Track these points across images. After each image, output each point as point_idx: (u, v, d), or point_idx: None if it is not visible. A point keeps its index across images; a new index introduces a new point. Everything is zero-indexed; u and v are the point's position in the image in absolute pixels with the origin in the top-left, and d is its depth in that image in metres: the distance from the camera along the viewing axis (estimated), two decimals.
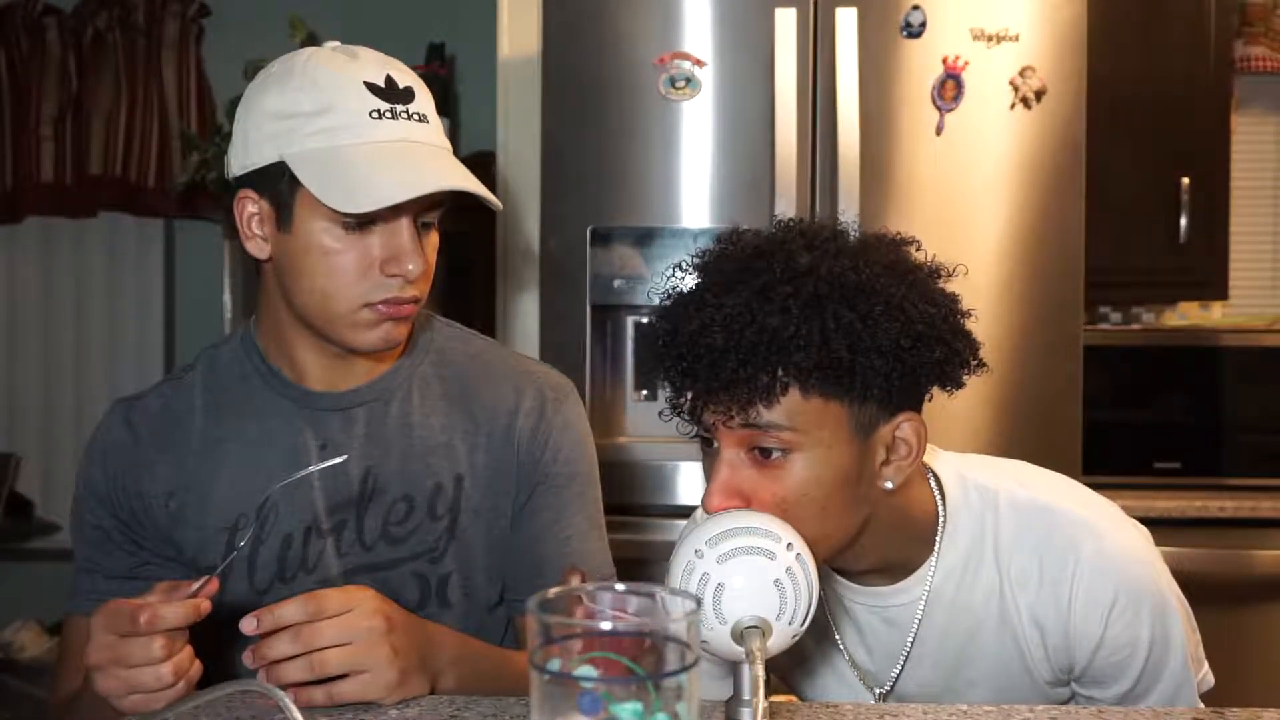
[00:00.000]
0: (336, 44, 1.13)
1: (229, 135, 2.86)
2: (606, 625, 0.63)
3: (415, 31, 3.19)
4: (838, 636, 1.13)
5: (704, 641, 0.85)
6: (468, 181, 1.07)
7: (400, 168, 1.05)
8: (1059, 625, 1.04)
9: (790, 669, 1.20)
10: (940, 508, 1.06)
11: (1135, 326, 2.98)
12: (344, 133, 1.05)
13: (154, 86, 3.57)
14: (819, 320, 0.91)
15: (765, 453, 0.94)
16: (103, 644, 0.92)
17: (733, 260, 0.98)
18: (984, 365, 1.00)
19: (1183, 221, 2.64)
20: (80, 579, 1.19)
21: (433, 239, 1.12)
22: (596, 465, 1.26)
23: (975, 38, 2.12)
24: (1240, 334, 2.60)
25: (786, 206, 2.08)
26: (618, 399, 2.28)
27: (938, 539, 1.06)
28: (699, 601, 0.83)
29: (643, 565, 2.01)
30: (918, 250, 1.02)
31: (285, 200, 1.07)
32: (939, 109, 2.12)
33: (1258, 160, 3.07)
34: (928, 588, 1.06)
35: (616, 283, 2.18)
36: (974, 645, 1.08)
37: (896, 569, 1.07)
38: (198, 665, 0.95)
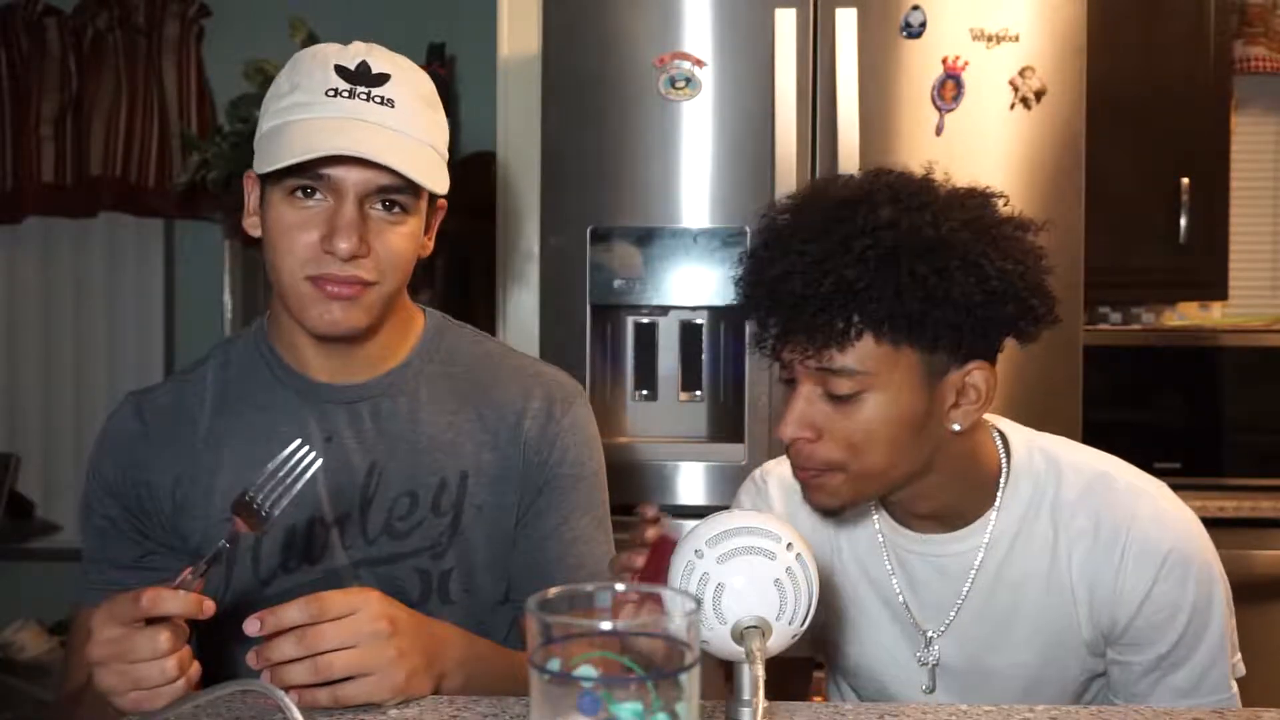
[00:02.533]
0: (356, 43, 1.15)
1: (229, 135, 2.87)
2: (606, 625, 0.63)
3: (415, 31, 3.19)
4: (894, 581, 1.17)
5: (704, 641, 0.85)
6: (390, 156, 1.06)
7: (326, 135, 1.06)
8: (1108, 580, 1.08)
9: (842, 616, 1.22)
10: (1004, 464, 1.12)
11: (1135, 326, 2.97)
12: (298, 110, 1.08)
13: (154, 86, 3.57)
14: (894, 273, 0.97)
15: (836, 392, 1.00)
16: (106, 639, 0.92)
17: (820, 208, 1.04)
18: (1058, 320, 1.06)
19: (1183, 221, 2.63)
20: (88, 570, 1.20)
21: (402, 228, 1.11)
22: (604, 468, 1.26)
23: (975, 38, 2.11)
24: (1240, 334, 2.60)
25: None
26: (618, 399, 2.28)
27: (1000, 492, 1.11)
28: (699, 601, 0.83)
29: None
30: (1005, 205, 1.07)
31: (262, 177, 1.12)
32: (939, 109, 2.12)
33: (1258, 160, 3.07)
34: (986, 538, 1.11)
35: (616, 283, 2.17)
36: (1021, 599, 1.12)
37: (955, 518, 1.12)
38: (197, 666, 0.95)
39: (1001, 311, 1.00)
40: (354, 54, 1.11)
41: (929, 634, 1.15)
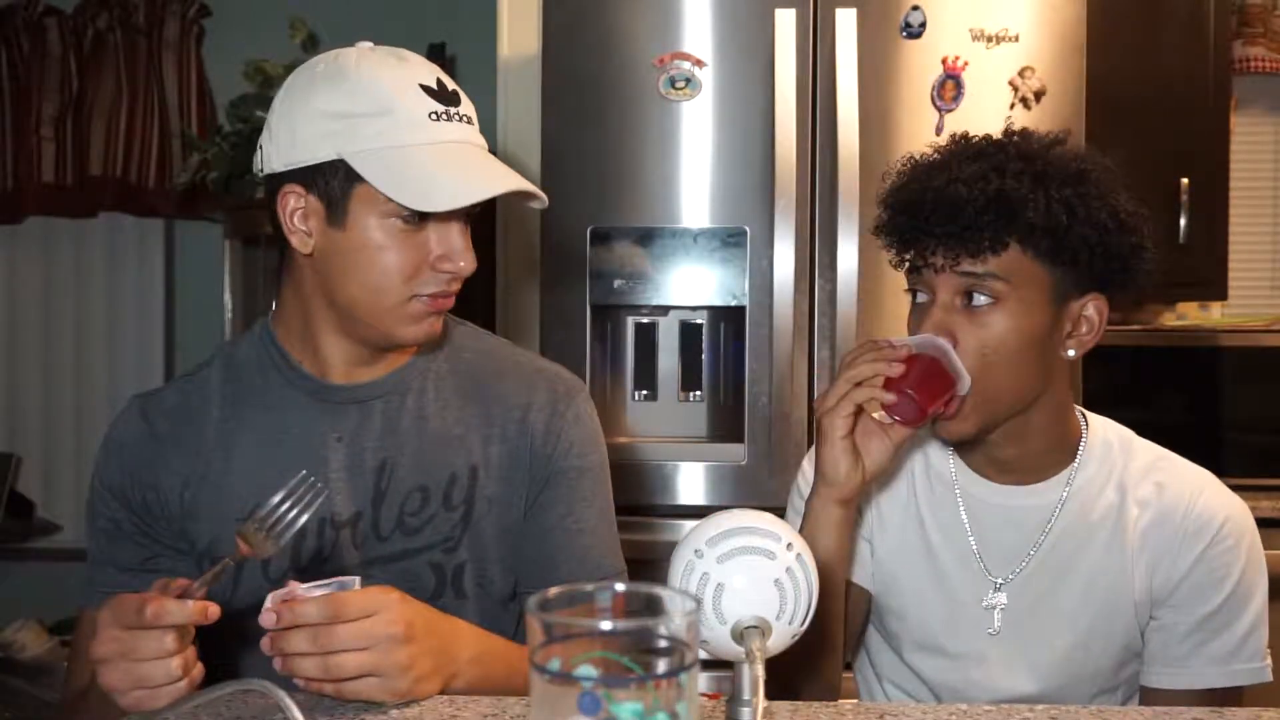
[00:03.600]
0: (370, 45, 1.15)
1: (229, 135, 2.86)
2: (606, 625, 0.63)
3: (415, 31, 3.19)
4: (968, 530, 1.24)
5: (704, 641, 0.85)
6: (524, 183, 1.12)
7: (464, 169, 1.09)
8: (1167, 541, 1.17)
9: (909, 562, 1.28)
10: (1084, 433, 1.23)
11: (1135, 326, 2.97)
12: (407, 133, 1.07)
13: (154, 87, 3.57)
14: (1044, 191, 1.11)
15: (975, 300, 1.12)
16: (110, 637, 0.92)
17: (973, 145, 1.18)
18: (1154, 271, 1.17)
19: (1183, 221, 2.63)
20: (93, 572, 1.20)
21: (469, 231, 1.16)
22: (607, 462, 1.28)
23: (975, 38, 2.11)
24: (1240, 334, 2.60)
25: (786, 206, 2.08)
26: (618, 399, 2.28)
27: (1079, 454, 1.22)
28: (699, 601, 0.83)
29: (643, 565, 2.00)
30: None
31: (338, 197, 1.09)
32: (939, 109, 2.12)
33: (1257, 160, 3.07)
34: (1064, 493, 1.21)
35: (616, 283, 2.17)
36: (1082, 555, 1.20)
37: (1034, 471, 1.22)
38: (200, 666, 0.95)
39: (1125, 241, 1.13)
40: (424, 70, 1.12)
41: (998, 581, 1.22)
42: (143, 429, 1.20)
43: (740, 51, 2.13)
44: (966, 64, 2.11)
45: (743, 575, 0.85)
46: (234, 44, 3.34)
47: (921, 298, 1.18)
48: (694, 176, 2.14)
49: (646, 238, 2.18)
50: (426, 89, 1.09)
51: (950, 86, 2.11)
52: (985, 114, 2.12)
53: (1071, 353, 1.17)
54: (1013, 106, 2.12)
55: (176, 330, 3.75)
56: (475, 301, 2.93)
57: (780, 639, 0.86)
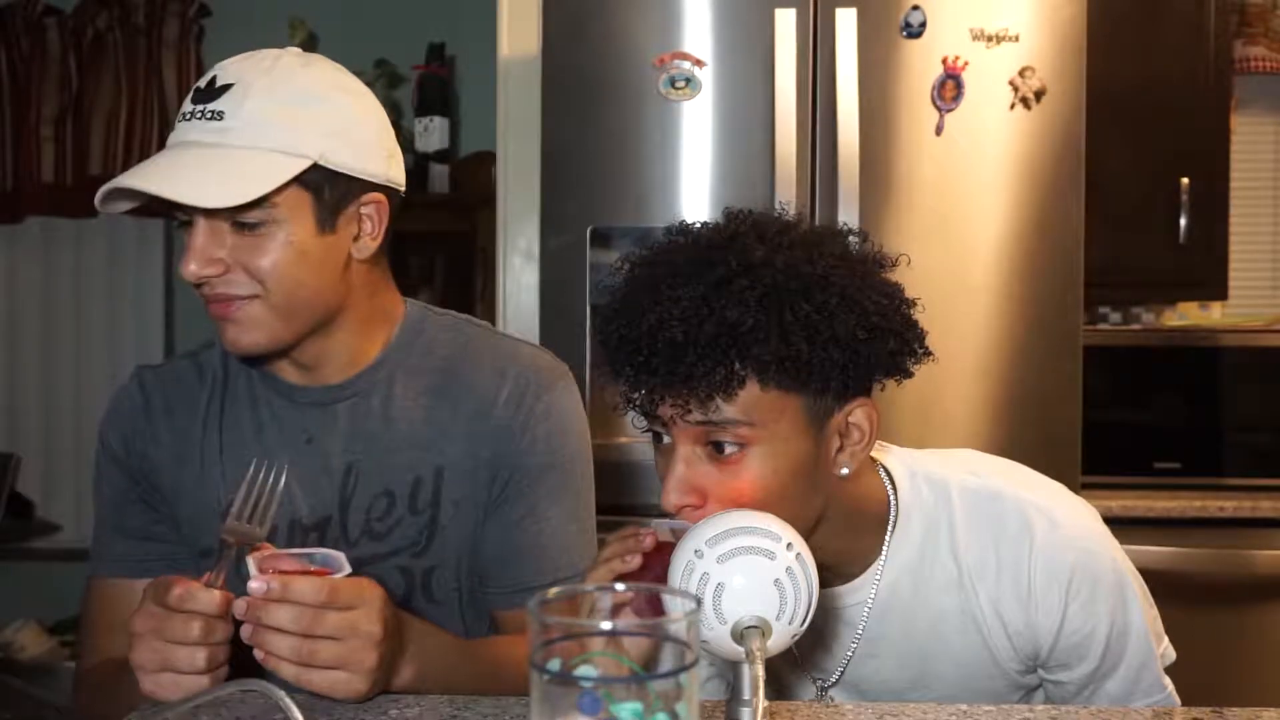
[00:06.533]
0: (293, 51, 1.16)
1: None
2: (606, 625, 0.63)
3: (415, 31, 3.19)
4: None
5: (704, 641, 0.85)
6: (169, 186, 1.06)
7: (139, 173, 1.09)
8: (1020, 612, 1.05)
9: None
10: (892, 501, 1.07)
11: (1135, 326, 2.97)
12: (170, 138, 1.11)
13: (154, 87, 3.57)
14: (777, 313, 0.91)
15: (721, 448, 0.94)
16: (148, 612, 0.93)
17: (685, 253, 0.99)
18: (930, 354, 1.00)
19: (1183, 221, 2.63)
20: (99, 541, 1.21)
21: (270, 240, 1.07)
22: (583, 456, 1.22)
23: (975, 38, 2.12)
24: (1240, 334, 2.60)
25: (786, 206, 2.07)
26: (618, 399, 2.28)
27: (889, 534, 1.06)
28: (699, 601, 0.83)
29: None
30: (864, 242, 1.02)
31: None
32: (939, 109, 2.12)
33: (1257, 160, 3.07)
34: (878, 581, 1.07)
35: None
36: (938, 638, 1.08)
37: (852, 565, 1.07)
38: (225, 670, 0.95)
39: (883, 348, 0.95)
40: (217, 69, 1.10)
41: (823, 683, 1.12)
42: (140, 399, 1.21)
43: (740, 51, 2.13)
44: (967, 64, 2.11)
45: (743, 575, 0.85)
46: (234, 44, 3.32)
47: (666, 439, 0.98)
48: (694, 176, 2.14)
49: (646, 238, 2.17)
50: (196, 89, 1.10)
51: (950, 86, 2.11)
52: (985, 114, 2.12)
53: (845, 469, 0.99)
54: (1013, 106, 2.12)
55: (176, 330, 3.75)
56: (475, 302, 2.93)
57: (780, 639, 0.86)
